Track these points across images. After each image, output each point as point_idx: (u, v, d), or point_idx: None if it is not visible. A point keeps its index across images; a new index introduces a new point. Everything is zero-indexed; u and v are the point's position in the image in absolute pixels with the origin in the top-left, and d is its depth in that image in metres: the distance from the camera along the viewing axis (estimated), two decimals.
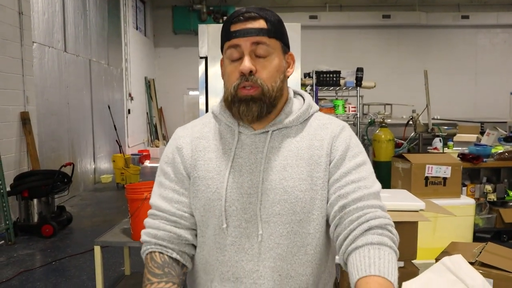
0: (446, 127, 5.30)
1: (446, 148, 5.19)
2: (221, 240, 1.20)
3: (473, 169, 5.00)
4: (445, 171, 3.85)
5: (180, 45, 13.89)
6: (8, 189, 5.20)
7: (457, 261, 1.04)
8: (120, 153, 8.79)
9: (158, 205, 1.26)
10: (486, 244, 3.15)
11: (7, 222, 5.05)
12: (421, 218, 2.70)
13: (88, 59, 8.43)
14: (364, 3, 13.61)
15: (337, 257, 1.24)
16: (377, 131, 5.48)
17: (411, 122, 5.21)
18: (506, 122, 10.06)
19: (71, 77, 7.61)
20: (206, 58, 3.75)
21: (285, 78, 1.23)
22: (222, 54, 1.25)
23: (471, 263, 2.87)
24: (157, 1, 13.70)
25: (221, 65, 1.29)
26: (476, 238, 5.05)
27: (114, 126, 9.27)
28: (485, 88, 13.81)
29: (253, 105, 1.16)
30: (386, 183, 5.04)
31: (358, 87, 5.02)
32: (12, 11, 5.74)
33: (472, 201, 3.84)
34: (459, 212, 3.77)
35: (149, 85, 12.98)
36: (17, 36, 5.83)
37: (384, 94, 10.44)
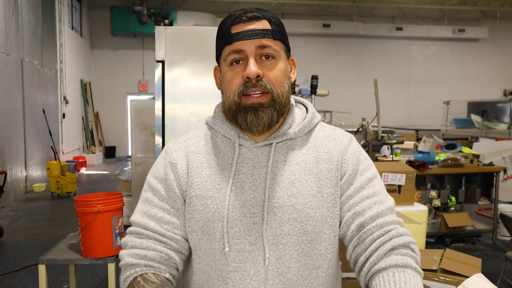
0: (394, 135, 5.44)
1: (394, 156, 5.33)
2: (223, 267, 1.09)
3: (418, 176, 5.16)
4: (400, 179, 3.93)
5: (119, 48, 13.50)
6: None
7: (478, 281, 1.01)
8: (56, 159, 8.34)
9: (145, 224, 1.12)
10: (444, 250, 3.24)
11: None
12: None
13: (20, 58, 7.94)
14: (305, 12, 13.87)
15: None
16: None
17: (360, 130, 5.30)
18: (439, 129, 10.61)
19: (0, 77, 7.12)
20: (163, 62, 3.59)
21: (290, 83, 1.14)
22: (218, 60, 1.14)
23: (434, 271, 2.93)
24: (94, 1, 13.22)
25: (215, 75, 1.19)
26: None
27: (49, 131, 8.79)
28: (418, 97, 14.50)
29: (262, 113, 1.06)
30: None
31: (313, 95, 5.03)
32: None
33: (425, 208, 3.95)
34: (414, 218, 3.86)
35: (85, 88, 12.49)
36: None
37: (323, 101, 10.66)
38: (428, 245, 5.27)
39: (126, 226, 1.41)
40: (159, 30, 3.59)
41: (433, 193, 5.16)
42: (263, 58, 1.06)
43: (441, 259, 3.06)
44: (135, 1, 12.76)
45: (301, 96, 5.40)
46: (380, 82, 9.43)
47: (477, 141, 8.85)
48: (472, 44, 14.98)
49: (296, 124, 1.15)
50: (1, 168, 6.74)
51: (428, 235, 5.27)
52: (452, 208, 5.38)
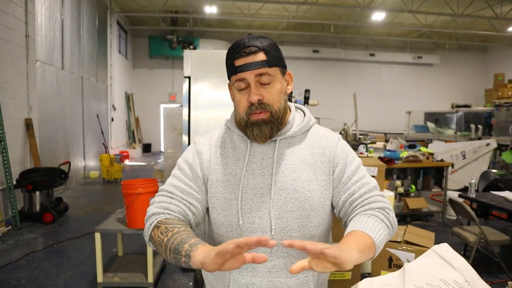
0: (369, 137, 5.44)
1: (368, 153, 5.33)
2: (237, 236, 1.08)
3: (387, 169, 5.16)
4: (373, 171, 3.93)
5: (154, 67, 13.52)
6: (14, 183, 4.79)
7: (444, 248, 1.03)
8: (106, 153, 8.40)
9: (171, 190, 1.12)
10: (407, 226, 3.26)
11: (14, 210, 4.65)
12: None
13: (80, 76, 7.98)
14: (299, 40, 13.86)
15: None
16: None
17: (343, 132, 5.30)
18: (403, 133, 10.57)
19: (66, 90, 7.16)
20: (189, 77, 3.61)
21: (286, 96, 1.14)
22: (230, 81, 1.13)
23: (398, 242, 2.95)
24: (136, 31, 13.24)
25: (230, 89, 1.16)
26: None
27: (102, 131, 8.84)
28: (387, 108, 14.46)
29: (265, 128, 1.07)
30: None
31: (306, 105, 5.04)
32: (20, 34, 5.32)
33: (391, 194, 3.94)
34: None
35: (128, 99, 12.51)
36: (23, 55, 5.40)
37: (313, 110, 10.70)
38: None
39: None
40: (187, 53, 3.61)
41: (398, 182, 5.16)
42: (263, 83, 1.06)
43: (404, 233, 3.08)
44: (168, 32, 12.78)
45: None
46: (357, 96, 9.48)
47: (431, 142, 8.82)
48: (427, 68, 14.93)
49: (295, 125, 1.16)
50: (66, 159, 6.79)
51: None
52: (412, 194, 5.38)
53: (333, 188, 1.13)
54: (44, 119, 6.06)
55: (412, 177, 5.39)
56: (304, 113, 1.22)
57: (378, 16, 10.84)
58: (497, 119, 7.70)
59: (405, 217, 5.24)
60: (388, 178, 5.22)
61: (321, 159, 1.13)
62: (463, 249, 3.89)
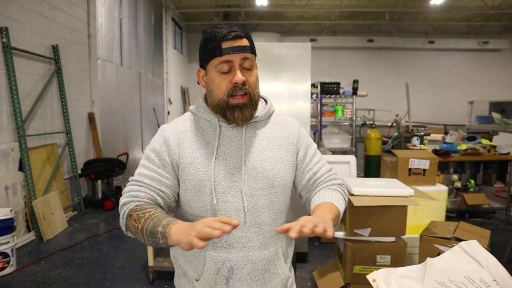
0: (422, 129, 5.19)
1: (422, 145, 5.09)
2: (211, 215, 1.12)
3: (443, 162, 4.90)
4: (424, 164, 3.77)
5: None
6: (79, 172, 5.19)
7: (473, 244, 0.98)
8: None
9: (139, 179, 1.15)
10: (459, 223, 3.08)
11: (79, 197, 5.05)
12: (412, 203, 2.63)
13: (138, 71, 8.40)
14: (353, 30, 13.44)
15: None
16: (368, 131, 5.38)
17: (394, 124, 5.10)
18: (464, 125, 9.92)
19: (125, 85, 7.58)
20: None
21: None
22: (205, 66, 1.17)
23: (448, 239, 2.80)
24: (190, 27, 13.63)
25: (199, 75, 1.22)
26: (445, 217, 4.97)
27: (158, 124, 9.25)
28: (447, 98, 13.62)
29: (245, 111, 1.13)
30: (375, 173, 4.96)
31: (354, 96, 4.91)
32: (83, 34, 5.72)
33: (445, 188, 3.75)
34: (435, 196, 3.69)
35: (184, 92, 12.94)
36: (86, 53, 5.80)
37: (367, 101, 10.36)
38: (450, 218, 5.00)
39: None
40: None
41: (455, 177, 4.87)
42: (245, 68, 1.12)
43: (455, 229, 2.93)
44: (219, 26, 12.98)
45: (344, 97, 5.25)
46: (414, 86, 8.96)
47: (497, 134, 8.20)
48: (494, 54, 13.76)
49: (259, 111, 1.22)
50: (125, 150, 7.21)
51: (451, 211, 5.02)
52: (472, 189, 5.06)
53: (297, 169, 1.25)
54: (105, 113, 6.47)
55: (471, 171, 5.06)
56: (266, 101, 1.29)
57: (437, 0, 10.21)
58: None
59: (463, 213, 4.96)
60: (444, 172, 4.96)
61: (286, 142, 1.22)
62: None
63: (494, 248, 4.01)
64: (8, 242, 3.28)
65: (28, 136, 4.23)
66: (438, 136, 6.72)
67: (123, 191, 1.17)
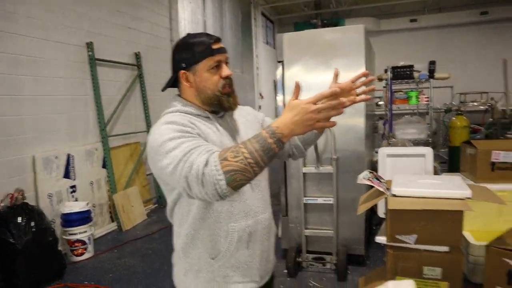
0: None
1: None
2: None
3: None
4: None
5: None
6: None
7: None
8: None
9: (193, 144, 1.06)
10: None
11: (159, 191, 5.44)
12: (462, 207, 2.13)
13: None
14: (461, 3, 11.74)
15: None
16: (454, 119, 4.61)
17: (489, 109, 4.30)
18: None
19: None
20: (282, 62, 3.50)
21: None
22: (192, 67, 1.26)
23: None
24: (283, 20, 13.58)
25: (184, 79, 1.29)
26: None
27: None
28: None
29: (235, 98, 1.31)
30: (458, 168, 4.27)
31: (431, 79, 4.26)
32: (165, 40, 6.11)
33: None
34: None
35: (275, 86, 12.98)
36: (168, 58, 6.19)
37: (483, 84, 8.92)
38: None
39: None
40: (279, 36, 3.50)
41: None
42: (226, 64, 1.30)
43: None
44: (312, 16, 12.65)
45: (419, 81, 4.59)
46: None
47: None
48: None
49: None
50: None
51: None
52: None
53: None
54: None
55: None
56: None
57: None
58: None
59: None
60: None
61: (253, 121, 1.46)
62: None
63: None
64: (85, 232, 3.69)
65: (112, 136, 4.70)
66: None
67: (186, 165, 1.02)
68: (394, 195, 2.31)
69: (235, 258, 1.27)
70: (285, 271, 3.24)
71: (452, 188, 2.30)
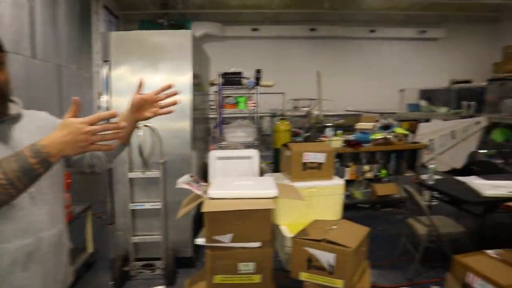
0: (334, 118, 5.04)
1: (335, 136, 4.94)
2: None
3: (356, 152, 4.78)
4: (320, 157, 3.56)
5: None
6: None
7: None
8: None
9: None
10: (340, 221, 2.91)
11: None
12: (269, 206, 2.36)
13: (56, 63, 7.76)
14: (296, 19, 13.22)
15: None
16: (277, 123, 5.14)
17: (306, 114, 4.92)
18: (395, 112, 10.00)
19: (41, 80, 6.95)
20: (109, 61, 3.31)
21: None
22: None
23: (318, 241, 2.60)
24: (128, 16, 12.92)
25: None
26: (357, 208, 4.87)
27: None
28: (386, 86, 13.58)
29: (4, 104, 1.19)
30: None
31: (258, 86, 4.65)
32: None
33: (341, 182, 3.54)
34: (330, 191, 3.52)
35: None
36: None
37: (313, 92, 10.15)
38: (363, 210, 4.92)
39: None
40: (105, 35, 3.31)
41: (365, 167, 4.76)
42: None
43: (330, 229, 2.74)
44: (158, 15, 12.40)
45: (248, 87, 4.93)
46: (356, 75, 8.86)
47: (427, 121, 8.36)
48: (431, 43, 13.95)
49: (16, 108, 1.25)
50: None
51: (363, 202, 4.92)
52: (383, 180, 4.97)
53: None
54: None
55: (383, 161, 4.97)
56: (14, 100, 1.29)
57: None
58: (491, 94, 7.07)
59: (374, 204, 4.86)
60: (356, 163, 4.84)
61: (49, 127, 1.21)
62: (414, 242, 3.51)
63: (392, 240, 3.89)
64: None
65: None
66: (369, 125, 6.65)
67: None
68: (211, 198, 2.41)
69: (9, 283, 1.14)
70: (111, 282, 3.05)
71: (262, 189, 2.53)
